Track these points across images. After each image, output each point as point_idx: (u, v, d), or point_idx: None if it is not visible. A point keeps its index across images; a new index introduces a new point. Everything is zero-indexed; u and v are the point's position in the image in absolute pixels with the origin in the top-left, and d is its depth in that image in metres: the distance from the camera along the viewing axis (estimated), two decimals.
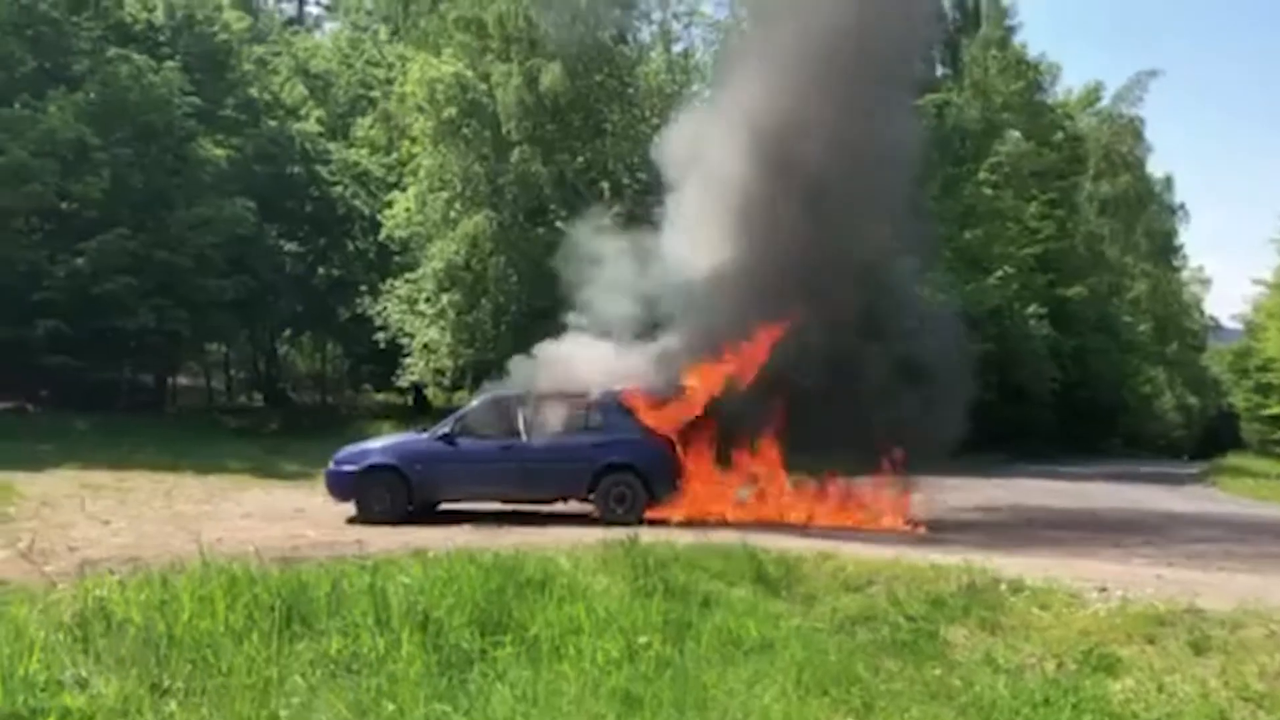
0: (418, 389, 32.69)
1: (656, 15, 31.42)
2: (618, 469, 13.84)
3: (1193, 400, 61.17)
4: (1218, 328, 62.07)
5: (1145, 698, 6.03)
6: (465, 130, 26.46)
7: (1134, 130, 48.48)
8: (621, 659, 6.37)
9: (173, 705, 5.08)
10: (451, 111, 26.09)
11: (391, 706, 5.18)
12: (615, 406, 14.21)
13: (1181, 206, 55.14)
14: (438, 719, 5.04)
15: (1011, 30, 42.60)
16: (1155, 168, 51.10)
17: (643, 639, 6.66)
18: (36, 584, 7.69)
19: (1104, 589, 8.04)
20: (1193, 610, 7.34)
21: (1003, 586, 8.15)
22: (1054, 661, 6.80)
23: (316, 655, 6.00)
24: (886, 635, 7.37)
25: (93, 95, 25.49)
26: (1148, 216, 51.09)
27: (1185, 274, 61.80)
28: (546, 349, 15.13)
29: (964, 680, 6.30)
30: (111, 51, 26.46)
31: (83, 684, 5.10)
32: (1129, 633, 7.08)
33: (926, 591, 8.28)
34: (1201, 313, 63.45)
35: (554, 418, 14.20)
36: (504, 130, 26.21)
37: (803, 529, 13.18)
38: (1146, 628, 7.12)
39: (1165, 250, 55.78)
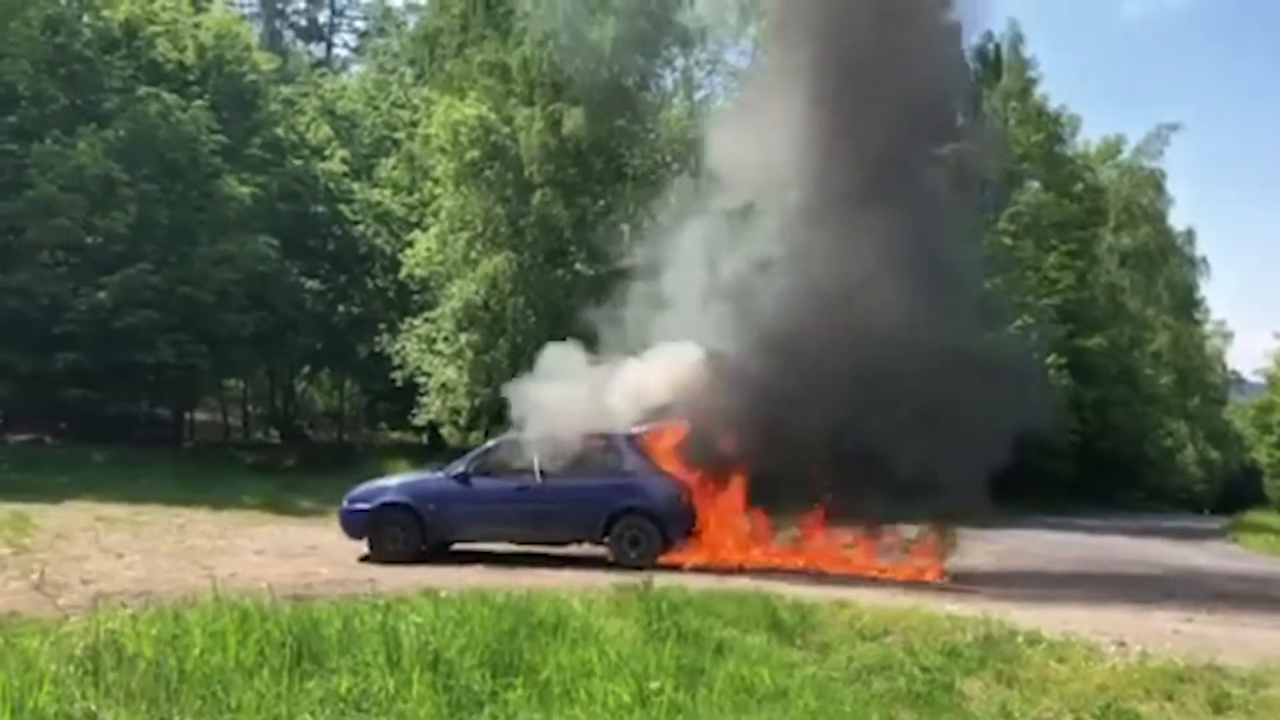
0: (434, 428, 32.71)
1: (679, 62, 31.67)
2: (632, 512, 13.77)
3: (1215, 455, 60.49)
4: (1240, 382, 61.61)
5: None
6: (487, 172, 26.66)
7: (1155, 183, 48.57)
8: (633, 704, 6.30)
9: None
10: (474, 154, 26.31)
11: None
12: (632, 448, 14.20)
13: (1203, 259, 54.82)
14: None
15: (1033, 82, 42.77)
16: (1177, 221, 51.07)
17: (654, 684, 6.59)
18: (49, 616, 7.69)
19: (1122, 643, 7.95)
20: (1213, 667, 7.24)
21: (1019, 639, 8.06)
22: (1071, 716, 6.71)
23: (326, 693, 5.96)
24: (902, 686, 7.28)
25: (122, 132, 25.81)
26: (1169, 269, 50.99)
27: (1208, 327, 61.38)
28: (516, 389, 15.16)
29: None
30: (142, 90, 26.83)
31: (91, 717, 5.08)
32: (1148, 689, 6.99)
33: (943, 642, 8.18)
34: (1224, 366, 62.95)
35: (569, 459, 14.16)
36: (526, 173, 26.42)
37: (820, 576, 13.07)
38: (1166, 684, 7.02)
39: (1187, 303, 55.44)
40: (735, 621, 8.69)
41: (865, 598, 10.06)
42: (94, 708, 5.23)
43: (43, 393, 24.70)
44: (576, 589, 9.68)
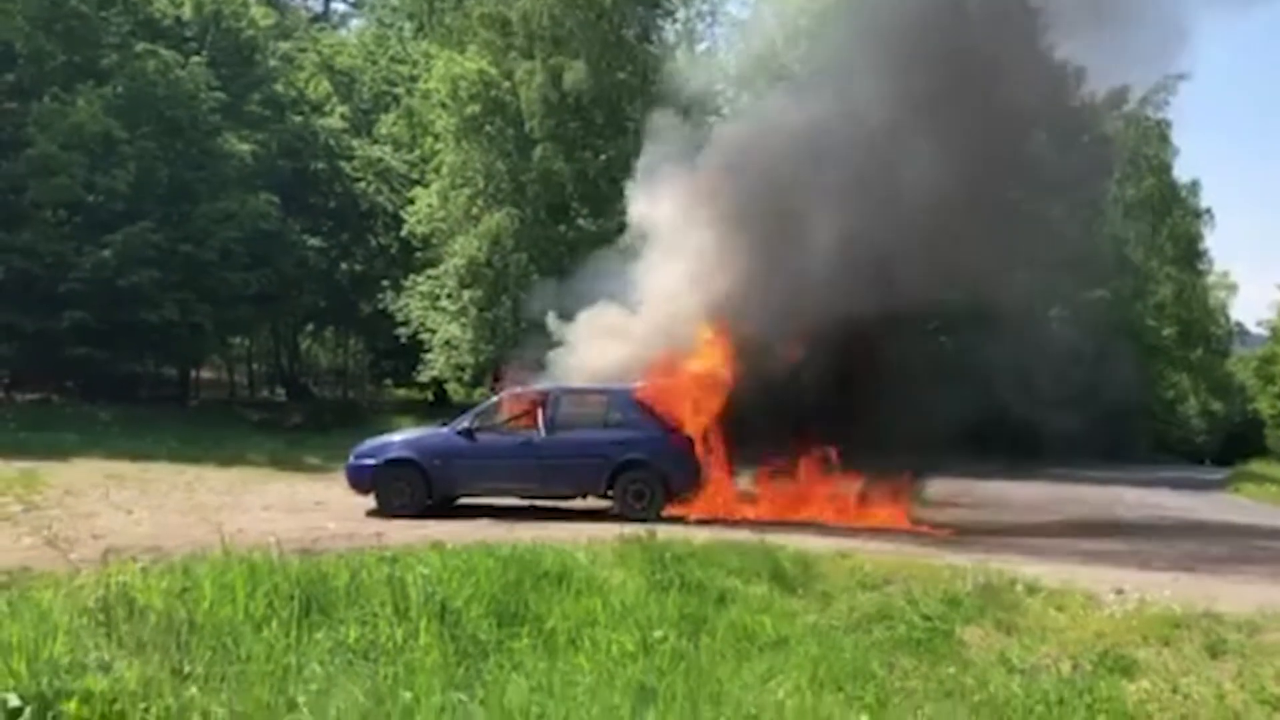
0: (438, 384, 32.82)
1: (680, 14, 31.41)
2: (636, 466, 13.89)
3: (1217, 406, 60.53)
4: (1243, 333, 61.42)
5: (1160, 699, 6.04)
6: (488, 127, 26.55)
7: (1160, 134, 48.22)
8: (637, 652, 6.40)
9: (193, 690, 5.12)
10: (475, 108, 26.20)
11: (408, 694, 5.22)
12: (634, 403, 14.28)
13: (1207, 211, 54.55)
14: (454, 707, 5.07)
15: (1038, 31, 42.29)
16: (1181, 172, 50.71)
17: (658, 633, 6.70)
18: (62, 570, 7.79)
19: (1120, 591, 8.04)
20: (1209, 614, 7.34)
21: (1019, 587, 8.17)
22: (1069, 662, 6.81)
23: (335, 643, 6.05)
24: (902, 633, 7.39)
25: (120, 90, 25.69)
26: (1173, 220, 50.82)
27: (1211, 279, 61.13)
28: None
29: (978, 679, 6.32)
30: (139, 46, 26.65)
31: (106, 667, 5.14)
32: (1145, 635, 7.09)
33: (943, 591, 8.29)
34: (1227, 318, 62.69)
35: (573, 414, 14.28)
36: (527, 127, 26.29)
37: (823, 528, 13.19)
38: (1162, 630, 7.12)
39: (1190, 255, 55.20)
40: (738, 572, 8.80)
41: (867, 548, 10.16)
42: (107, 658, 5.31)
43: (49, 352, 24.76)
44: (581, 541, 9.78)
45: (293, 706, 4.93)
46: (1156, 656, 6.77)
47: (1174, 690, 6.14)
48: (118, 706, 4.68)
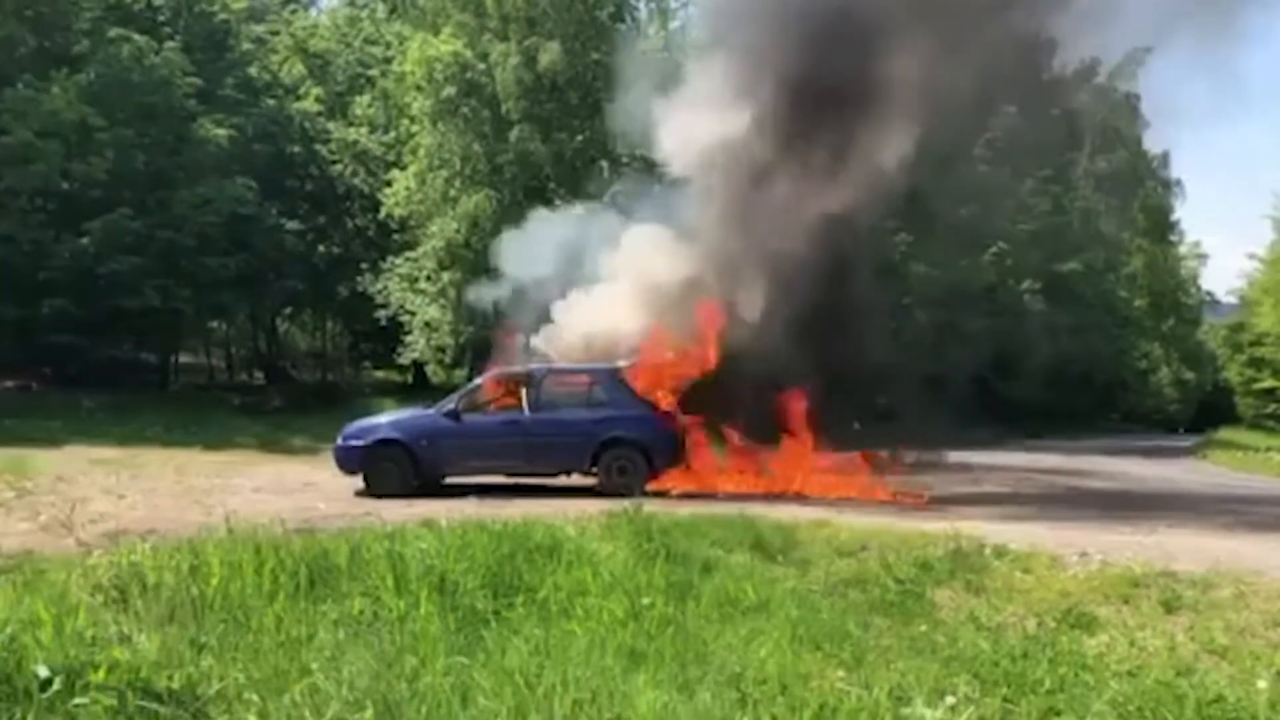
0: (418, 366, 33.03)
1: None
2: (619, 443, 14.22)
3: (1189, 375, 61.32)
4: (1214, 303, 62.13)
5: (1117, 651, 6.43)
6: (464, 109, 26.69)
7: (1130, 106, 48.70)
8: (626, 618, 6.74)
9: (210, 659, 5.43)
10: (450, 91, 26.33)
11: (414, 659, 5.55)
12: (617, 382, 14.61)
13: (1178, 182, 55.27)
14: (458, 670, 5.40)
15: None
16: (1151, 144, 51.27)
17: (646, 600, 7.04)
18: (69, 552, 8.06)
19: (1084, 554, 8.45)
20: (1167, 573, 7.74)
21: (987, 551, 8.55)
22: (1034, 620, 7.20)
23: (341, 615, 6.37)
24: (877, 596, 7.77)
25: (94, 76, 25.66)
26: (1144, 192, 51.41)
27: (1183, 249, 61.89)
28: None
29: (948, 637, 6.70)
30: (112, 32, 26.62)
31: (126, 640, 5.45)
32: (1106, 594, 7.49)
33: (915, 556, 8.68)
34: (1198, 288, 63.50)
35: (557, 394, 14.61)
36: (503, 109, 26.48)
37: (802, 500, 13.57)
38: (1122, 589, 7.52)
39: (1162, 226, 55.89)
40: (721, 542, 9.17)
41: (844, 518, 10.54)
42: (126, 631, 5.62)
43: (29, 339, 24.86)
44: (569, 516, 10.11)
45: (306, 672, 5.23)
46: (1116, 614, 7.17)
47: (1130, 643, 6.55)
48: (142, 674, 4.98)
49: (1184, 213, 67.08)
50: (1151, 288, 54.17)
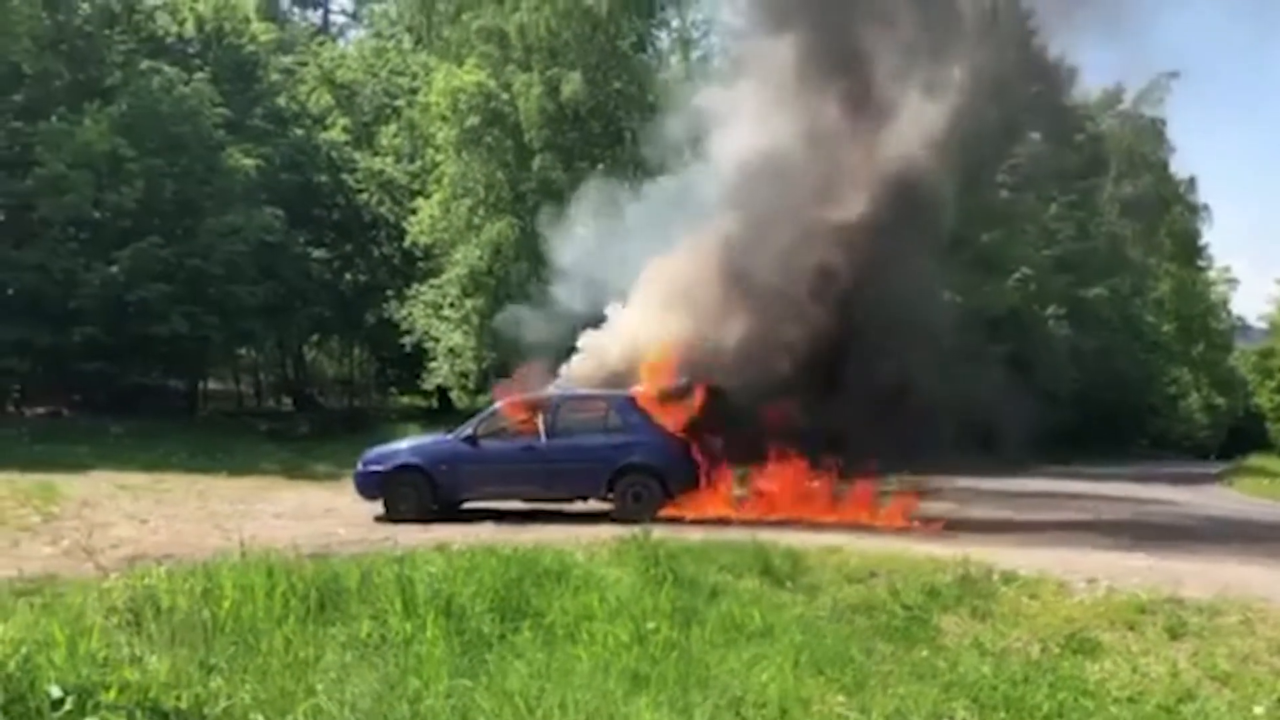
0: (443, 392, 33.25)
1: (675, 23, 31.89)
2: (635, 469, 14.31)
3: (1220, 401, 60.75)
4: (1245, 328, 61.56)
5: (1119, 678, 6.46)
6: (488, 138, 26.99)
7: (1156, 131, 48.62)
8: (631, 642, 6.82)
9: (219, 680, 5.55)
10: (474, 120, 26.63)
11: (417, 682, 5.65)
12: (633, 408, 14.71)
13: (1205, 207, 54.88)
14: (460, 693, 5.50)
15: (1031, 33, 42.65)
16: (1179, 168, 51.06)
17: (651, 624, 7.11)
18: (88, 576, 8.22)
19: (1093, 580, 8.45)
20: (1174, 599, 7.74)
21: (995, 577, 8.57)
22: (1038, 646, 7.23)
23: (348, 638, 6.50)
24: (883, 622, 7.82)
25: (125, 108, 26.14)
26: (1171, 217, 51.13)
27: (1212, 274, 61.43)
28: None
29: (950, 662, 6.74)
30: (143, 64, 27.18)
31: (137, 661, 5.58)
32: (1111, 620, 7.50)
33: (924, 583, 8.71)
34: (1229, 313, 62.96)
35: (574, 420, 14.73)
36: (525, 138, 26.76)
37: (818, 526, 13.56)
38: (1128, 615, 7.54)
39: (1190, 250, 55.47)
40: (729, 567, 9.23)
41: (856, 544, 10.57)
42: (138, 652, 5.75)
43: (59, 366, 25.24)
44: (581, 542, 10.20)
45: (311, 693, 5.35)
46: (1120, 639, 7.19)
47: (1133, 669, 6.57)
48: (151, 695, 5.11)
49: (1212, 237, 66.55)
50: (1180, 312, 53.77)
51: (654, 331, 15.72)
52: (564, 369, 16.23)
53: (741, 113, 16.85)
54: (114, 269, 24.69)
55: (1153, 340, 48.77)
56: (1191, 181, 52.90)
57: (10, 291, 25.05)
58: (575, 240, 19.26)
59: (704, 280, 16.00)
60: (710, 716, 5.57)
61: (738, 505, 14.49)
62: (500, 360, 26.14)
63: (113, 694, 5.02)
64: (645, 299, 16.20)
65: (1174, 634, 7.16)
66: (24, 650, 5.32)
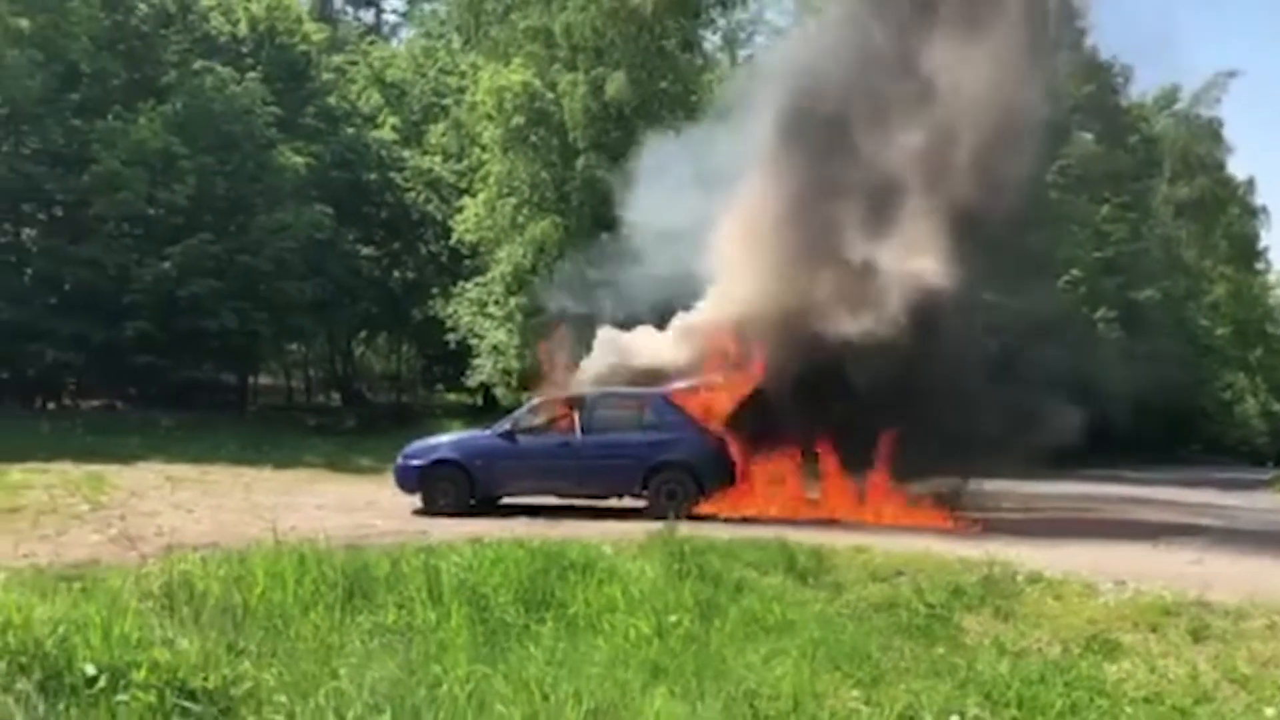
0: (487, 388, 33.54)
1: (721, 23, 31.89)
2: (670, 466, 14.41)
3: (1278, 406, 59.59)
4: None
5: (1136, 678, 6.45)
6: (533, 138, 27.20)
7: (1212, 131, 47.81)
8: (652, 635, 6.92)
9: (246, 663, 5.74)
10: (519, 120, 26.85)
11: (438, 668, 5.80)
12: (669, 406, 14.80)
13: (1264, 209, 53.84)
14: (478, 678, 5.63)
15: (1083, 33, 42.17)
16: (1236, 169, 50.10)
17: (673, 618, 7.21)
18: (130, 563, 8.48)
19: (1120, 581, 8.41)
20: (1200, 601, 7.70)
21: (1020, 578, 8.56)
22: (1059, 646, 7.23)
23: (375, 625, 6.66)
24: (904, 620, 7.84)
25: (179, 106, 26.71)
26: (1228, 219, 50.22)
27: (1271, 277, 60.26)
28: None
29: (967, 660, 6.75)
30: (197, 64, 27.75)
31: (169, 643, 5.77)
32: (1135, 621, 7.48)
33: (949, 582, 8.72)
34: None
35: (609, 417, 14.85)
36: (570, 137, 26.91)
37: (852, 525, 13.54)
38: (1152, 617, 7.51)
39: (1247, 253, 54.44)
40: (755, 564, 9.29)
41: (883, 543, 10.58)
42: (170, 634, 5.94)
43: (113, 360, 25.78)
44: (611, 537, 10.30)
45: (334, 677, 5.51)
46: (1142, 641, 7.17)
47: (1151, 670, 6.55)
48: (180, 675, 5.30)
49: (1272, 240, 65.16)
50: (1235, 316, 52.77)
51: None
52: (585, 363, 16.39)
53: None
54: (166, 265, 25.20)
55: (1206, 344, 47.86)
56: (1250, 183, 51.97)
57: (66, 286, 25.70)
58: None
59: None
60: (724, 708, 5.65)
61: (809, 505, 14.51)
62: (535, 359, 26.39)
63: (144, 673, 5.22)
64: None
65: (1197, 636, 7.13)
66: (61, 630, 5.55)
